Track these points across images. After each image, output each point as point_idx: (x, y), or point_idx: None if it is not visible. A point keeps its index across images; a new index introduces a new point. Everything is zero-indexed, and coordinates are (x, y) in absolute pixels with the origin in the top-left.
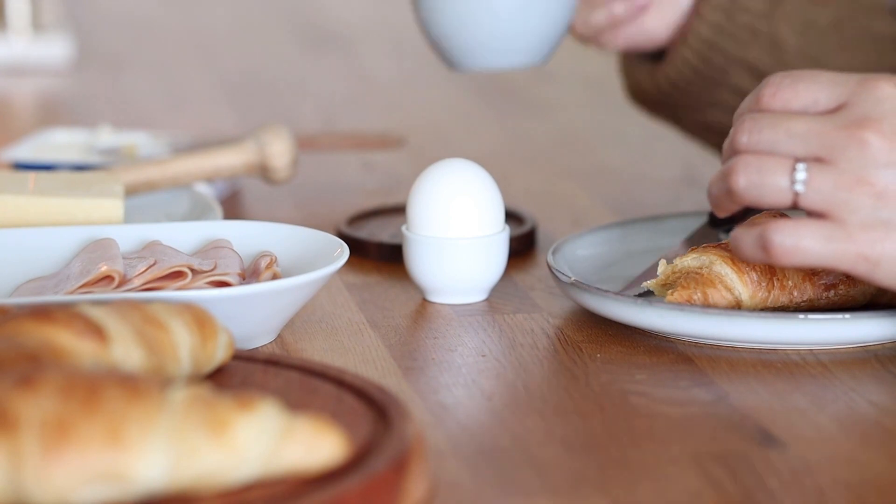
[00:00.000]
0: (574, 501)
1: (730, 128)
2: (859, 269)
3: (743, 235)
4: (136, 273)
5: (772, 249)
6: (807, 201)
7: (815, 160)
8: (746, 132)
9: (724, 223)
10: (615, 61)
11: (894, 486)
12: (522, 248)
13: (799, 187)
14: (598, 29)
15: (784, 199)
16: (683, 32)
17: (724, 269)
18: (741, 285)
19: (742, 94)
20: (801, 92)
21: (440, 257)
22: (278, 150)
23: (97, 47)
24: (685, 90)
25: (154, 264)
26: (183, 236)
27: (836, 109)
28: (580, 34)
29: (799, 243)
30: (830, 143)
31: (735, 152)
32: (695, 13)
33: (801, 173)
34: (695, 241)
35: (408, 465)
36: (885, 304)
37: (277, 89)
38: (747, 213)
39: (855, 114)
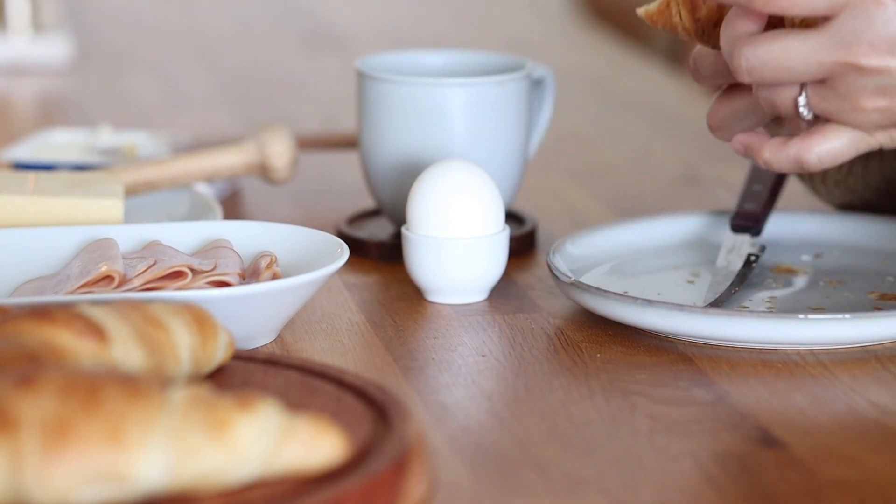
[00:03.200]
0: (574, 501)
1: None
2: (886, 146)
3: (778, 157)
4: (136, 273)
5: (808, 165)
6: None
7: (818, 83)
8: (745, 71)
9: (745, 230)
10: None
11: (894, 486)
12: (522, 248)
13: (805, 113)
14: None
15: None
16: None
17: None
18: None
19: None
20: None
21: (440, 257)
22: (278, 150)
23: (97, 47)
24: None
25: (154, 264)
26: (183, 236)
27: (828, 20)
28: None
29: (833, 154)
30: (827, 71)
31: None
32: None
33: (802, 108)
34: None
35: (408, 465)
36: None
37: (277, 89)
38: (764, 216)
39: (847, 33)
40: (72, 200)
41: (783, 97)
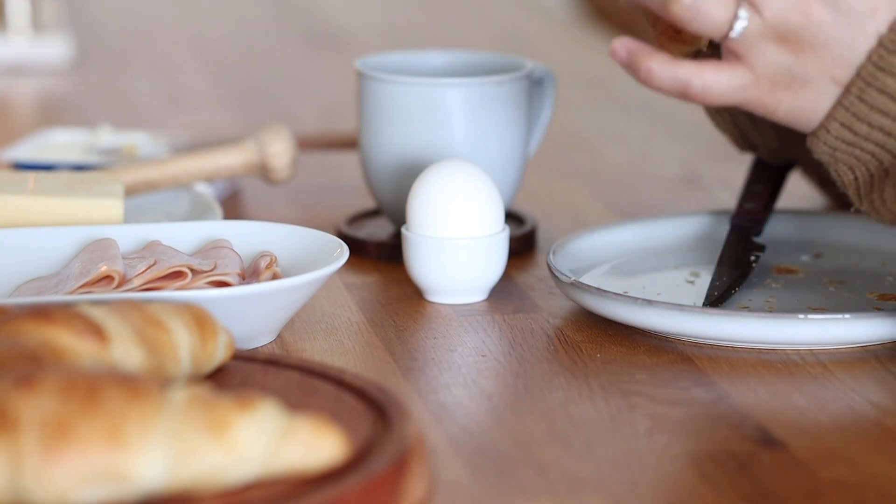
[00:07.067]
0: (574, 501)
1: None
2: (760, 111)
3: (663, 73)
4: (136, 273)
5: (692, 91)
6: (732, 45)
7: (750, 4)
8: None
9: (745, 230)
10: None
11: (894, 486)
12: (522, 248)
13: (734, 33)
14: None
15: (716, 34)
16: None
17: None
18: None
19: None
20: None
21: (440, 257)
22: (278, 150)
23: (97, 47)
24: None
25: (154, 264)
26: (183, 236)
27: None
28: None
29: (721, 90)
30: None
31: None
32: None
33: (741, 21)
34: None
35: (408, 465)
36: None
37: (277, 89)
38: (764, 216)
39: None
40: (72, 200)
41: (719, 9)
